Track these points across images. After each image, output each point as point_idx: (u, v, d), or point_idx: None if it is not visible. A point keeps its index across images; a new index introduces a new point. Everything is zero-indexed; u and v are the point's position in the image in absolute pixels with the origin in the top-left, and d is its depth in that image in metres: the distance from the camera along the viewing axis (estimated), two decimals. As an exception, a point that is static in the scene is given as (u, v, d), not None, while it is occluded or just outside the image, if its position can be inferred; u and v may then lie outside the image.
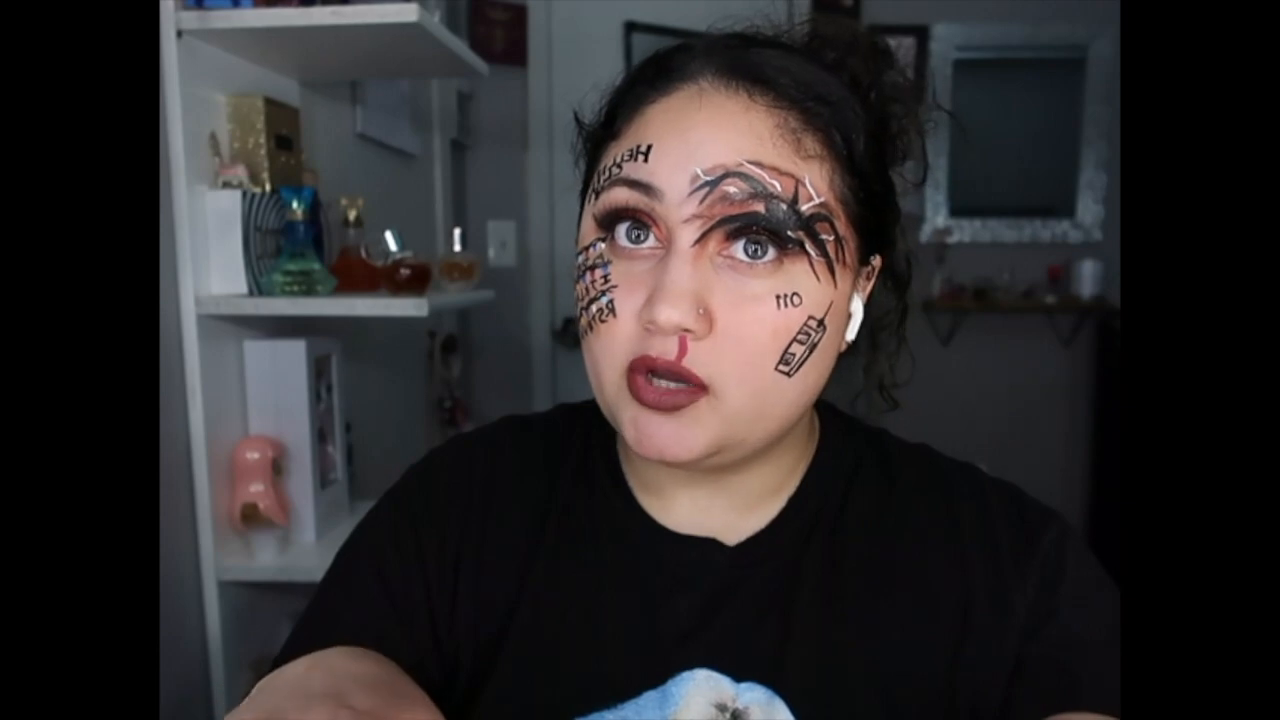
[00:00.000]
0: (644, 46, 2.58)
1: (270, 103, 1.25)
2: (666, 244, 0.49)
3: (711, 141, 0.48)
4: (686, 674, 0.54)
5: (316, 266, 1.23)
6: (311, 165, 1.44)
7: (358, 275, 1.31)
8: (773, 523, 0.57)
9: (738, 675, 0.54)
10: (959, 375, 3.13)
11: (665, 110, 0.50)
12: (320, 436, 1.36)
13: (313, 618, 0.58)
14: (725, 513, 0.57)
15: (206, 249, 1.19)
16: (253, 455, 1.26)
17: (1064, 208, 3.15)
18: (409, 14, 1.12)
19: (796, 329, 0.49)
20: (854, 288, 0.53)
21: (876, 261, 0.55)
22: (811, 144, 0.49)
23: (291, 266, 1.21)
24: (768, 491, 0.57)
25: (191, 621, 1.23)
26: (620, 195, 0.50)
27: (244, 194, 1.18)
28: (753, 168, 0.47)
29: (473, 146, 2.53)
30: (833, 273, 0.50)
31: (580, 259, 0.53)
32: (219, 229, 1.19)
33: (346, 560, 0.61)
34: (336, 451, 1.43)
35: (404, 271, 1.26)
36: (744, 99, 0.49)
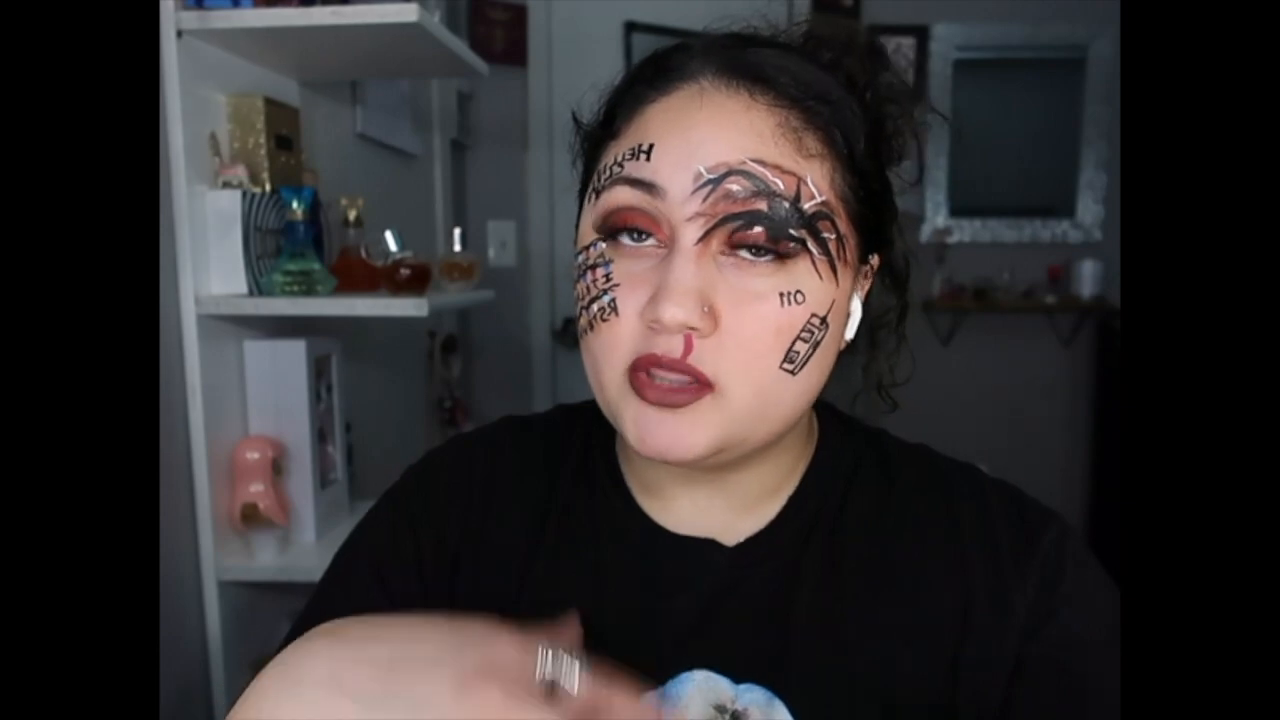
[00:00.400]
0: (644, 46, 2.55)
1: (270, 103, 1.25)
2: (669, 242, 0.49)
3: (713, 140, 0.48)
4: (686, 675, 0.54)
5: (316, 266, 1.23)
6: (311, 165, 1.43)
7: (358, 275, 1.31)
8: (772, 523, 0.57)
9: (737, 676, 0.54)
10: (959, 375, 3.12)
11: (666, 109, 0.50)
12: (320, 436, 1.36)
13: (310, 617, 0.58)
14: (724, 513, 0.57)
15: (206, 249, 1.19)
16: (253, 455, 1.26)
17: (1064, 208, 3.14)
18: (409, 14, 1.12)
19: (800, 327, 0.49)
20: (854, 286, 0.53)
21: (875, 260, 0.55)
22: (812, 143, 0.49)
23: (291, 266, 1.21)
24: (767, 492, 0.57)
25: (191, 621, 1.23)
26: (622, 194, 0.50)
27: (244, 194, 1.18)
28: (755, 166, 0.47)
29: (473, 146, 2.53)
30: (834, 271, 0.50)
31: (580, 258, 0.53)
32: (219, 229, 1.19)
33: (345, 560, 0.61)
34: (336, 451, 1.43)
35: (404, 271, 1.26)
36: (745, 98, 0.49)
